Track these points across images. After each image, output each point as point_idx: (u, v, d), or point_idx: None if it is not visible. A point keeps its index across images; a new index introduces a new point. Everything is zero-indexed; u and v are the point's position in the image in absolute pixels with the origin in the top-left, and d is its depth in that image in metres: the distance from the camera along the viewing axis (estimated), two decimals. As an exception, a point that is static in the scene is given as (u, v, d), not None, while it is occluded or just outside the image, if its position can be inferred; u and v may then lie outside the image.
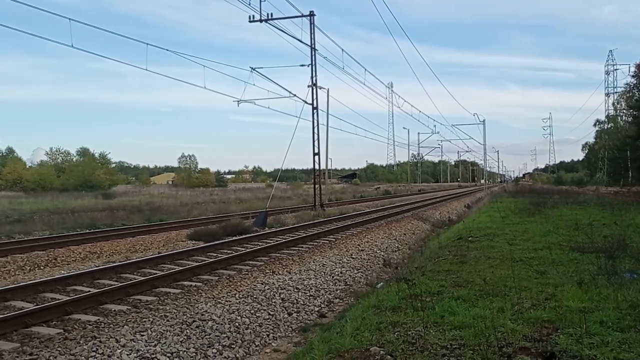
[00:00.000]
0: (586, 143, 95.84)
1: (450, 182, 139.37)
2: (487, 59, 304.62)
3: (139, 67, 68.81)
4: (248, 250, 12.28)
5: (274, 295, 8.91)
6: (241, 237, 15.14)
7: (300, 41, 25.44)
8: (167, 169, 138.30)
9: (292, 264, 11.31)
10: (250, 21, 24.30)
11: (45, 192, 49.02)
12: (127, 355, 5.68)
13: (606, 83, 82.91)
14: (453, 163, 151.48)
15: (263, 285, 9.22)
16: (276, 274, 10.18)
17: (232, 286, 8.91)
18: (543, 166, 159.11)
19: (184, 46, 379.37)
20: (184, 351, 6.19)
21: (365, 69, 42.15)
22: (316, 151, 27.62)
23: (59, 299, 7.44)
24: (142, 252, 14.35)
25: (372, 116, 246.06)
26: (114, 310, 7.00)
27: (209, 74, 58.81)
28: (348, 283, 11.11)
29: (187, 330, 6.68)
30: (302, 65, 26.99)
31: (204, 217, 23.18)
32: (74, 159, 67.89)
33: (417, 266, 9.88)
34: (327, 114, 33.01)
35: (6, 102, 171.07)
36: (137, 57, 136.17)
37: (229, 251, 12.48)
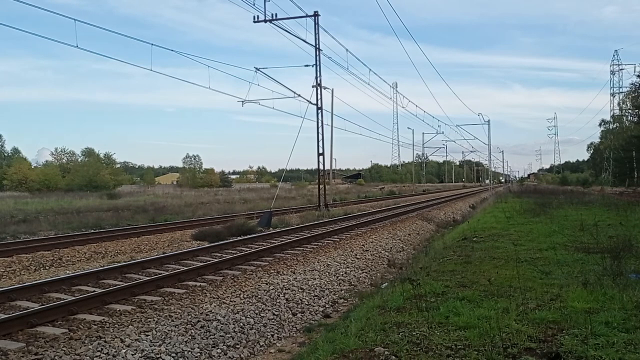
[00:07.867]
0: (591, 143, 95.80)
1: (454, 182, 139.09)
2: (491, 59, 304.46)
3: (143, 68, 69.19)
4: (252, 250, 12.28)
5: (279, 296, 8.92)
6: (246, 237, 15.12)
7: (305, 41, 25.44)
8: (172, 169, 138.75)
9: (296, 264, 11.32)
10: (254, 21, 24.29)
11: (51, 192, 49.32)
12: (132, 355, 5.70)
13: (611, 83, 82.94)
14: (458, 163, 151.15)
15: (267, 286, 9.23)
16: (281, 274, 10.18)
17: (237, 286, 8.92)
18: (548, 166, 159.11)
19: (189, 47, 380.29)
20: (189, 351, 6.20)
21: (370, 69, 42.03)
22: (320, 151, 27.59)
23: (64, 299, 7.47)
24: (146, 252, 14.41)
25: (376, 116, 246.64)
26: (119, 310, 7.02)
27: (213, 75, 59.28)
28: (352, 283, 11.11)
29: (192, 330, 6.69)
30: (307, 66, 27.00)
31: (208, 217, 23.23)
32: (79, 159, 68.45)
33: (421, 266, 9.86)
34: (332, 114, 32.87)
35: (11, 102, 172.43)
36: (142, 58, 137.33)
37: (233, 251, 12.48)
